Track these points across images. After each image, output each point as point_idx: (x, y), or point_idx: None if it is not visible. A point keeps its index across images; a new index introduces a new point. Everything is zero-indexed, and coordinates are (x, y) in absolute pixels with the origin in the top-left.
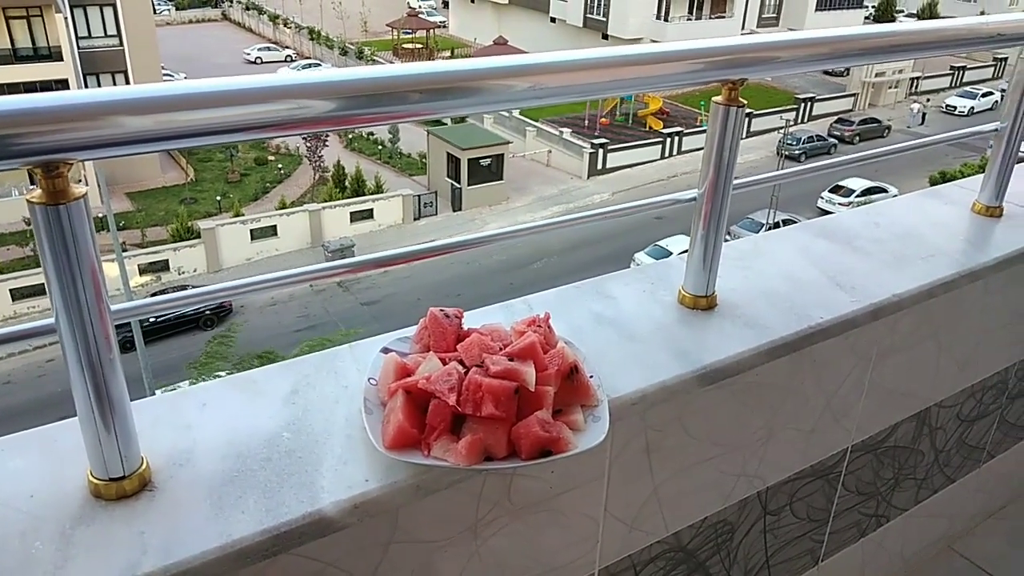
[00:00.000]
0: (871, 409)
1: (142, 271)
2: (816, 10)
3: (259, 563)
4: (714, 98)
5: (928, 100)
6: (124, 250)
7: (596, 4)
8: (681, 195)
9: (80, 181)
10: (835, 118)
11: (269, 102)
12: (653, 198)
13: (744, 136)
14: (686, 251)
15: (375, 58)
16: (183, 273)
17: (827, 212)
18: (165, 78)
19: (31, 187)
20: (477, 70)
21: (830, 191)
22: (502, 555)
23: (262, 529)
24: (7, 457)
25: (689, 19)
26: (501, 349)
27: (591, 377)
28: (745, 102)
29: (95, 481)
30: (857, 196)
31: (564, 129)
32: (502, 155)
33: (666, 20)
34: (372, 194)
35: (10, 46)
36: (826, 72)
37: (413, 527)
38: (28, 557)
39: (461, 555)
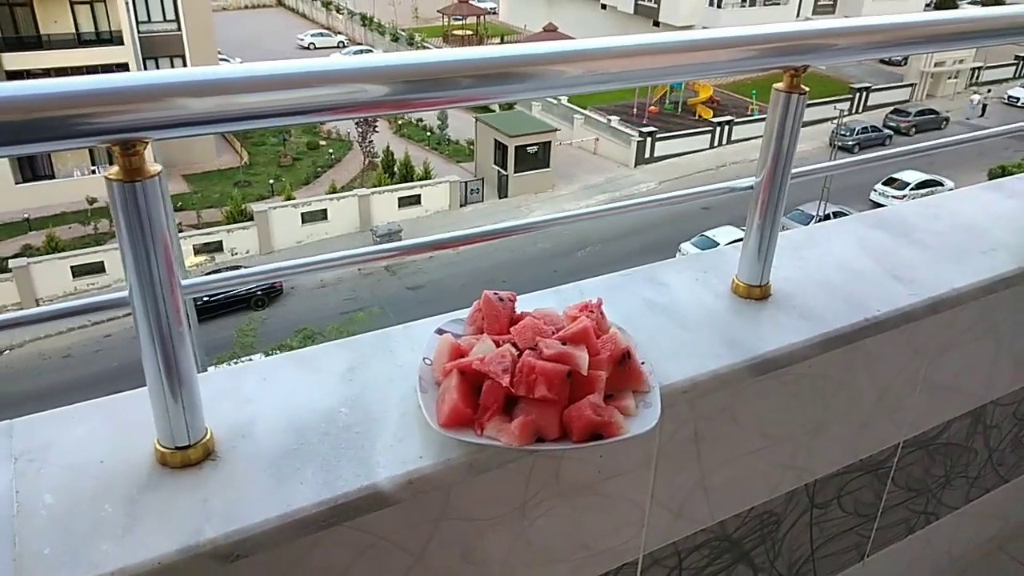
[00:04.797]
0: (925, 405)
1: (197, 251)
2: None
3: (316, 533)
4: (775, 84)
5: (989, 91)
6: (180, 230)
7: None
8: (738, 183)
9: None
10: (891, 109)
11: (327, 85)
12: (708, 186)
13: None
14: (735, 241)
15: (425, 44)
16: (236, 254)
17: (880, 205)
18: (221, 62)
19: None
20: (529, 55)
21: (884, 184)
22: (548, 536)
23: (320, 500)
24: (79, 424)
25: (743, 6)
26: (554, 333)
27: (643, 363)
28: (807, 89)
29: (161, 449)
30: (912, 189)
31: (612, 117)
32: (549, 142)
33: (719, 7)
34: (420, 180)
35: (74, 30)
36: (883, 61)
37: (464, 505)
38: (98, 520)
39: (509, 534)
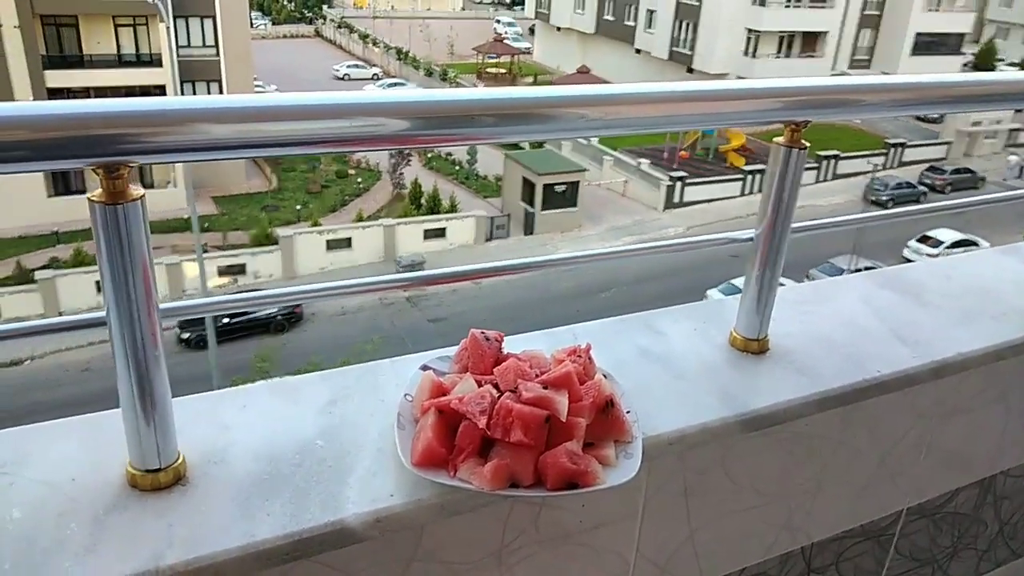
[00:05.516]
0: (930, 471)
1: (221, 272)
2: (912, 54)
3: (280, 566)
4: (776, 139)
5: None
6: (205, 251)
7: (683, 37)
8: (738, 234)
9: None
10: (927, 166)
11: (311, 120)
12: (710, 235)
13: (830, 179)
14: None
15: (459, 81)
16: (259, 277)
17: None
18: (257, 89)
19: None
20: (549, 98)
21: (917, 241)
22: None
23: (285, 533)
24: (54, 440)
25: (777, 57)
26: (537, 376)
27: (628, 412)
28: (808, 144)
29: (132, 471)
30: (946, 248)
31: (642, 160)
32: (577, 182)
33: (754, 56)
34: (446, 213)
35: (116, 51)
36: (918, 118)
37: (437, 547)
38: (62, 537)
39: None
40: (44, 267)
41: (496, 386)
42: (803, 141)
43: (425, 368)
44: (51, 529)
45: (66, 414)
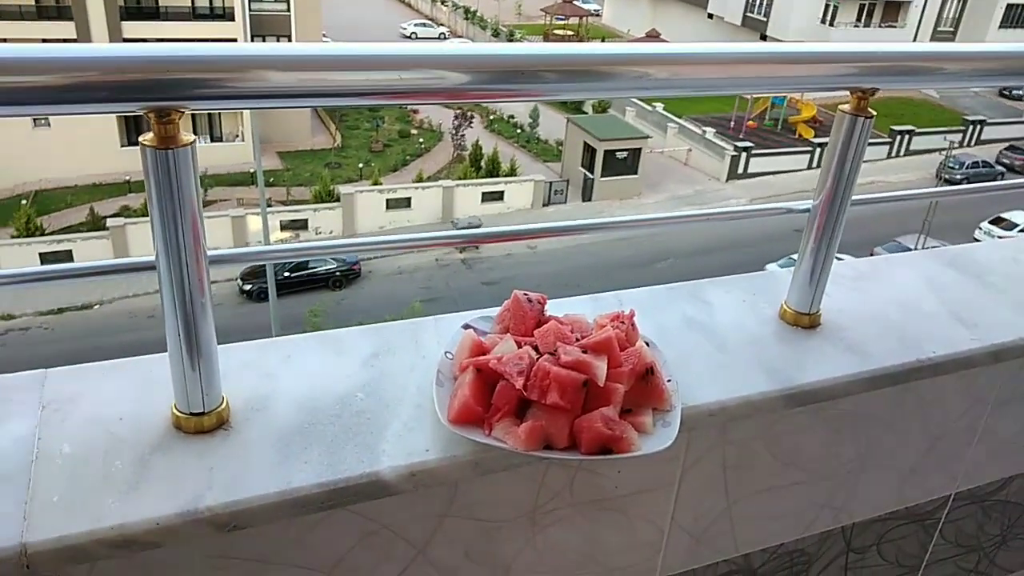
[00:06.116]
0: (982, 457)
1: (283, 227)
2: (1000, 26)
3: (315, 514)
4: (841, 106)
5: None
6: (269, 205)
7: (757, 2)
8: (795, 205)
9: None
10: (1006, 144)
11: (369, 70)
12: (767, 204)
13: (903, 155)
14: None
15: (525, 40)
16: (319, 233)
17: None
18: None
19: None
20: (611, 55)
21: (990, 222)
22: (559, 546)
23: (320, 482)
24: (108, 380)
25: (856, 26)
26: (578, 340)
27: (668, 381)
28: (874, 113)
29: (177, 414)
30: (1020, 231)
31: (708, 129)
32: (639, 149)
33: (831, 24)
34: (506, 176)
35: (191, 4)
36: (1002, 94)
37: (470, 504)
38: (107, 475)
39: (517, 539)
40: (115, 215)
41: (536, 348)
42: (870, 110)
43: (467, 327)
44: (98, 466)
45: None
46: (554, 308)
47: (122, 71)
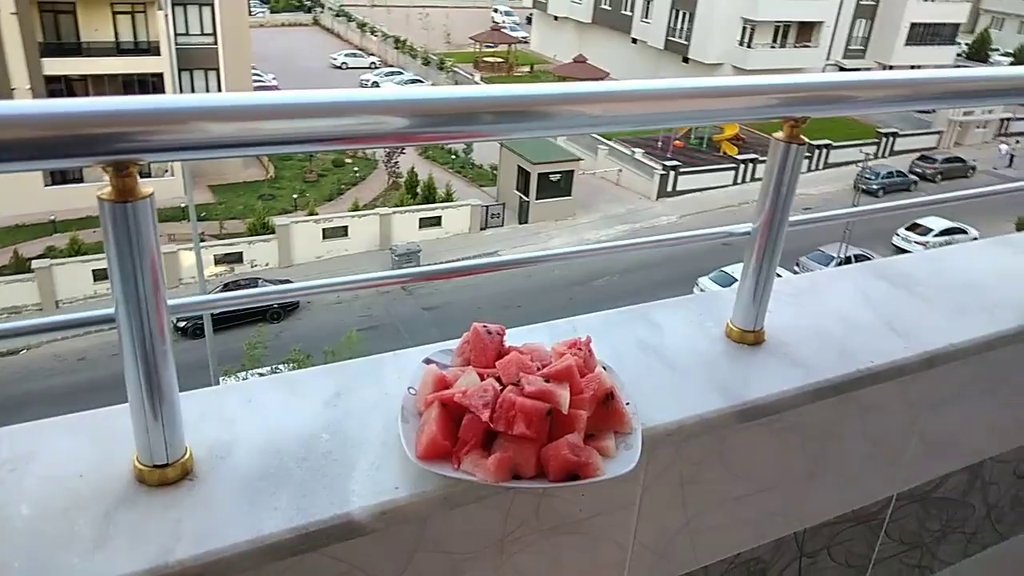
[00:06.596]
0: (920, 458)
1: (217, 261)
2: (906, 44)
3: (287, 559)
4: (774, 134)
5: (1018, 142)
6: (202, 240)
7: (679, 27)
8: (736, 228)
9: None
10: (918, 155)
11: (316, 118)
12: (707, 229)
13: (822, 168)
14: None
15: (455, 69)
16: (255, 266)
17: (903, 250)
18: (255, 78)
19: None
20: (549, 95)
21: (907, 229)
22: (526, 572)
23: (292, 527)
24: (61, 436)
25: (772, 47)
26: (539, 369)
27: (627, 404)
28: (806, 141)
29: (140, 466)
30: (935, 236)
31: (636, 149)
32: (572, 171)
33: (749, 47)
34: (442, 202)
35: (114, 39)
36: None
37: (440, 538)
38: (70, 534)
39: (486, 569)
40: (41, 256)
41: (499, 379)
42: (801, 137)
43: (428, 361)
44: (59, 525)
45: (58, 405)
46: (512, 338)
47: (80, 126)
